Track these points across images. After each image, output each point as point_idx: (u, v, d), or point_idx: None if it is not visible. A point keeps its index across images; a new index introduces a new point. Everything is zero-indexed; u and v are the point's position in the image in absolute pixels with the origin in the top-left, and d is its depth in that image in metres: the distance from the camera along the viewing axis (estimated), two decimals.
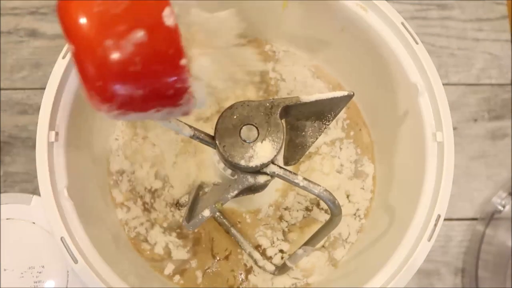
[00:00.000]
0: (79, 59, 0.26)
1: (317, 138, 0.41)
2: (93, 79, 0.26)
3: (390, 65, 0.43)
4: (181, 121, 0.37)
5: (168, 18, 0.25)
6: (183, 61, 0.26)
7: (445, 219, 0.38)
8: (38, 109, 0.38)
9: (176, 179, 0.48)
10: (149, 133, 0.49)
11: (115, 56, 0.25)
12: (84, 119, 0.43)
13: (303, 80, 0.52)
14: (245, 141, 0.35)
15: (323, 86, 0.52)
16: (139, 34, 0.25)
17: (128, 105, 0.27)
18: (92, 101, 0.27)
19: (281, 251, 0.47)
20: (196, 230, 0.47)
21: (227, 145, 0.35)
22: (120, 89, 0.26)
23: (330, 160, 0.49)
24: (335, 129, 0.51)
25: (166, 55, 0.26)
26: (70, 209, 0.37)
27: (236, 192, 0.37)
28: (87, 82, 0.26)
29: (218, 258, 0.47)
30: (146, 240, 0.47)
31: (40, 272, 0.43)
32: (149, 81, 0.26)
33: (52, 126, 0.38)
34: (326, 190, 0.36)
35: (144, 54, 0.25)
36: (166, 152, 0.49)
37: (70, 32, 0.25)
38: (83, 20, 0.25)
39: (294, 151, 0.42)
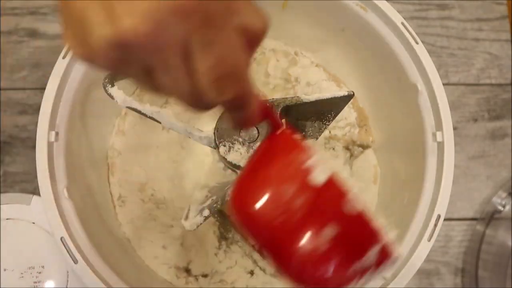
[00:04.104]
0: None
1: (317, 138, 0.41)
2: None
3: (390, 65, 0.43)
4: (182, 122, 0.37)
5: (352, 203, 0.26)
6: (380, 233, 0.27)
7: (445, 219, 0.38)
8: (38, 109, 0.38)
9: (175, 178, 0.48)
10: (148, 133, 0.49)
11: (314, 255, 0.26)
12: (84, 119, 0.43)
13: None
14: (245, 141, 0.35)
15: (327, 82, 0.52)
16: (330, 230, 0.26)
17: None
18: None
19: None
20: (195, 230, 0.47)
21: (227, 144, 0.35)
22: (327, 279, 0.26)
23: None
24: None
25: (363, 236, 0.27)
26: (70, 209, 0.37)
27: None
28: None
29: (218, 259, 0.47)
30: (146, 240, 0.47)
31: (40, 272, 0.43)
32: (351, 263, 0.27)
33: (52, 126, 0.38)
34: None
35: (342, 244, 0.26)
36: (165, 152, 0.49)
37: (258, 241, 0.26)
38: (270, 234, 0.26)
39: None
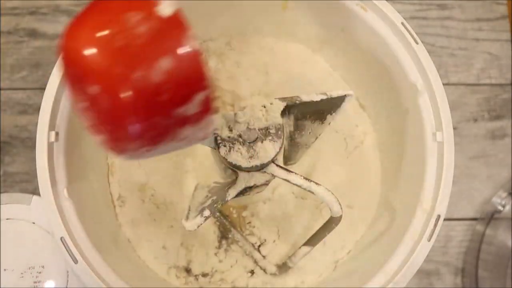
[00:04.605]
0: (106, 100, 0.25)
1: (316, 138, 0.41)
2: (126, 115, 0.25)
3: (390, 65, 0.43)
4: None
5: (192, 41, 0.25)
6: (206, 82, 0.26)
7: (445, 219, 0.38)
8: (38, 109, 0.38)
9: (175, 178, 0.48)
10: None
11: (146, 86, 0.24)
12: None
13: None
14: (245, 141, 0.35)
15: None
16: (166, 62, 0.25)
17: (157, 137, 0.26)
18: (120, 142, 0.26)
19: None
20: (195, 230, 0.47)
21: (227, 145, 0.35)
22: (152, 121, 0.25)
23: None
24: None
25: (193, 78, 0.26)
26: (70, 209, 0.37)
27: (236, 192, 0.37)
28: (119, 120, 0.25)
29: (218, 258, 0.47)
30: (146, 240, 0.47)
31: (40, 272, 0.43)
32: (176, 106, 0.26)
33: (52, 126, 0.38)
34: (327, 190, 0.36)
35: (172, 81, 0.25)
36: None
37: (94, 72, 0.24)
38: (107, 60, 0.24)
39: (294, 151, 0.42)
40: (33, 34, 0.55)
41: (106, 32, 0.25)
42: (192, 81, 0.26)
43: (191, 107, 0.26)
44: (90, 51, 0.24)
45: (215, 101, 0.27)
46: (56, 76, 0.38)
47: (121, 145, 0.27)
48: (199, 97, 0.26)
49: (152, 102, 0.25)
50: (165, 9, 0.25)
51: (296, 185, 0.36)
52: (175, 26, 0.25)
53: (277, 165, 0.36)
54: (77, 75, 0.26)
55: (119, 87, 0.24)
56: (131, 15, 0.25)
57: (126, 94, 0.24)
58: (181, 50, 0.25)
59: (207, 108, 0.26)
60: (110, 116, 0.25)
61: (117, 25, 0.25)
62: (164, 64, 0.25)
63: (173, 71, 0.25)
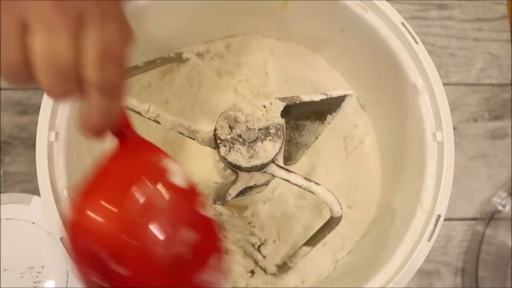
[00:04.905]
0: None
1: (316, 138, 0.41)
2: None
3: (390, 65, 0.43)
4: (182, 122, 0.37)
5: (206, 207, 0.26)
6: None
7: (445, 219, 0.38)
8: (38, 109, 0.38)
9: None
10: (147, 133, 0.49)
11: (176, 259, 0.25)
12: None
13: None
14: (245, 141, 0.35)
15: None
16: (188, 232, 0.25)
17: None
18: None
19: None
20: None
21: (227, 145, 0.35)
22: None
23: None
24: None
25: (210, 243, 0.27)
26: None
27: (236, 192, 0.37)
28: None
29: None
30: None
31: (40, 272, 0.43)
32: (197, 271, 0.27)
33: (52, 126, 0.38)
34: (327, 190, 0.36)
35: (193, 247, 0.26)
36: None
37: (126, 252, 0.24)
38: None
39: (294, 151, 0.42)
40: None
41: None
42: (209, 245, 0.27)
43: (209, 271, 0.27)
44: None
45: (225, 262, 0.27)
46: None
47: None
48: (214, 259, 0.27)
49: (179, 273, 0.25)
50: (178, 180, 0.26)
51: (296, 185, 0.36)
52: (191, 194, 0.26)
53: (277, 165, 0.36)
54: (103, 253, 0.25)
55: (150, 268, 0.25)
56: (146, 188, 0.25)
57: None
58: (199, 217, 0.26)
59: (220, 270, 0.27)
60: None
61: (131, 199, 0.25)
62: (184, 234, 0.25)
63: (194, 239, 0.25)
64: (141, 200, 0.25)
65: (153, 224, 0.24)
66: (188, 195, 0.26)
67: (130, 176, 0.26)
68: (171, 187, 0.25)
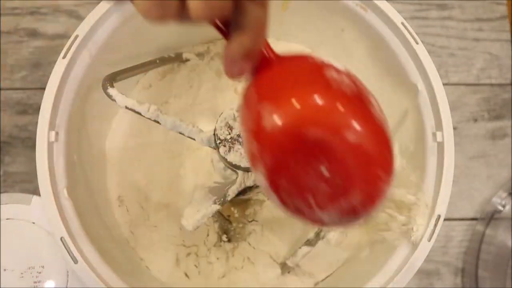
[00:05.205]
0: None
1: None
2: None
3: (390, 65, 0.43)
4: (182, 122, 0.37)
5: None
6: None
7: (445, 219, 0.38)
8: (38, 109, 0.38)
9: (175, 178, 0.48)
10: (147, 133, 0.49)
11: None
12: (84, 119, 0.43)
13: None
14: None
15: None
16: None
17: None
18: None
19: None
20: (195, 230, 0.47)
21: (227, 145, 0.35)
22: None
23: None
24: None
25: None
26: (70, 209, 0.37)
27: (236, 192, 0.37)
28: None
29: (218, 258, 0.47)
30: (145, 240, 0.47)
31: (40, 272, 0.43)
32: None
33: (52, 126, 0.38)
34: None
35: None
36: (164, 152, 0.49)
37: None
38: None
39: None
40: (33, 34, 0.55)
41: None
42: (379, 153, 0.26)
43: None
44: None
45: None
46: (56, 76, 0.38)
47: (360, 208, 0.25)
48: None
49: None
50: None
51: None
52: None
53: None
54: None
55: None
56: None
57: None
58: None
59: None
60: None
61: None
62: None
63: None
64: (346, 89, 0.24)
65: (356, 114, 0.23)
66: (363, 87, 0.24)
67: (307, 73, 0.25)
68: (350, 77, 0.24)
